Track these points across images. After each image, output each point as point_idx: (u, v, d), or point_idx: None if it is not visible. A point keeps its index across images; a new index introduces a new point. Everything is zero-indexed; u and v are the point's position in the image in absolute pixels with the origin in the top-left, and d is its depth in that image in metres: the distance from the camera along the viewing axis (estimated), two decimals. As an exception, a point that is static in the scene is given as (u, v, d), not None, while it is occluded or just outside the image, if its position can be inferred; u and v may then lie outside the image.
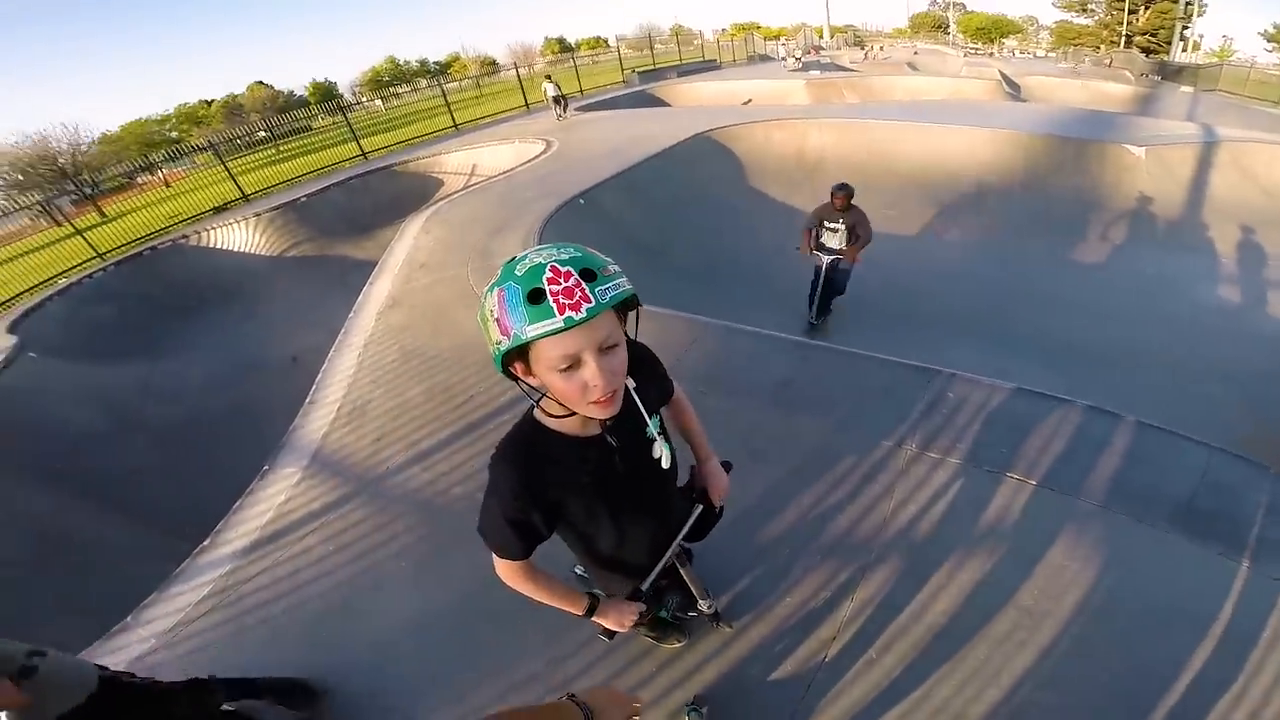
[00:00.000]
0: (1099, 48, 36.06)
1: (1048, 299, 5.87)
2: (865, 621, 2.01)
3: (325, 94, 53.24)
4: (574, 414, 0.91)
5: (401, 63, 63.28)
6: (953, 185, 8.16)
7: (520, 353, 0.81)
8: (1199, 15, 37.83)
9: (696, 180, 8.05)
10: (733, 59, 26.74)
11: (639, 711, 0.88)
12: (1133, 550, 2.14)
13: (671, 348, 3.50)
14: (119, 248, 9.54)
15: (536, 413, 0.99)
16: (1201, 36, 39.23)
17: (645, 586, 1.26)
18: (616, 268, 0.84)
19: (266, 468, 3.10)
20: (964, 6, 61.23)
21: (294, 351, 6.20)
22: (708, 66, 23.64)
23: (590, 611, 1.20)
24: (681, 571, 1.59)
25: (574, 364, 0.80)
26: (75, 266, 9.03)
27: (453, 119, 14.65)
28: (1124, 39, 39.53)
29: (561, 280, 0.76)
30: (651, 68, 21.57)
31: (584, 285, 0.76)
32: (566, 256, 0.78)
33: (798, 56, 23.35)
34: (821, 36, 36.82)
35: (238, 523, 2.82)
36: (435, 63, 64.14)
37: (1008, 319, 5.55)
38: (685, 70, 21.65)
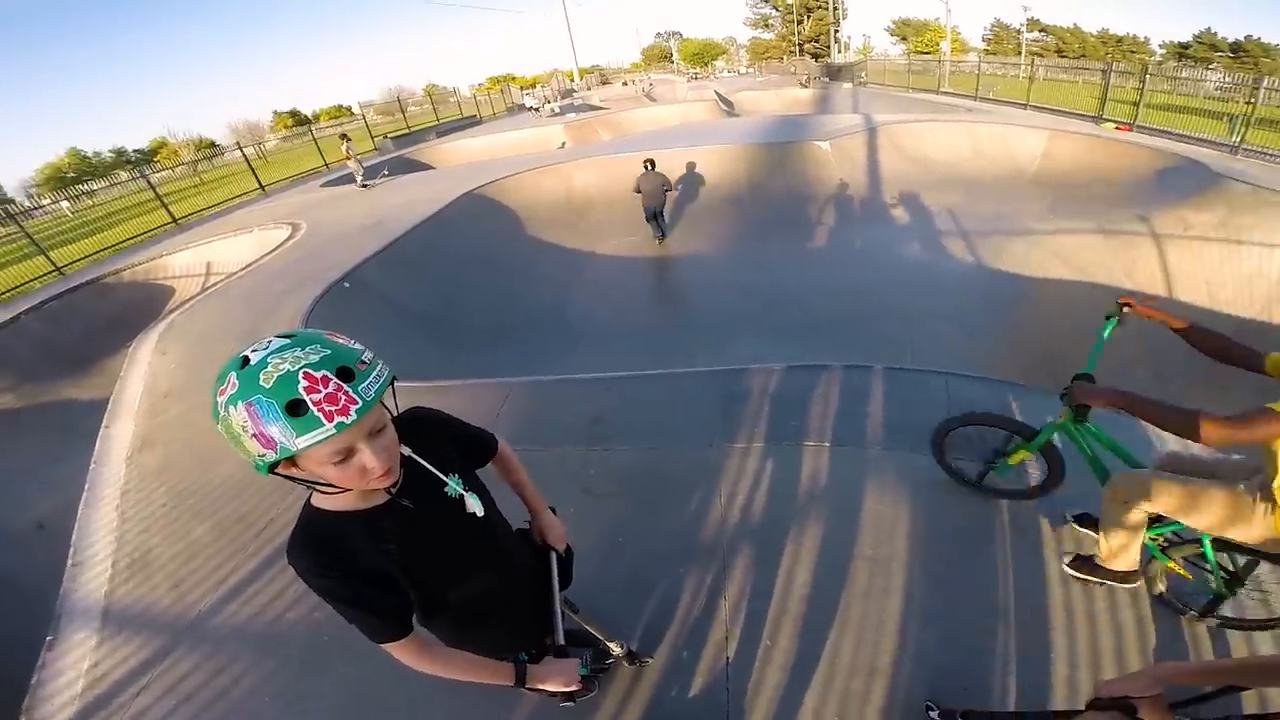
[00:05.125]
0: (783, 58, 43.91)
1: (792, 284, 6.93)
2: (746, 615, 2.11)
3: (-15, 200, 41.33)
4: (349, 490, 0.89)
5: (90, 155, 52.17)
6: (701, 202, 9.25)
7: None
8: (844, 19, 47.91)
9: (473, 240, 7.98)
10: (493, 113, 26.97)
11: None
12: (920, 479, 2.53)
13: (483, 414, 3.45)
14: None
15: (314, 498, 0.94)
16: (849, 38, 49.86)
17: (560, 640, 1.19)
18: (369, 354, 0.82)
19: (51, 638, 2.70)
20: (681, 35, 70.06)
21: (37, 518, 4.96)
22: (469, 123, 23.45)
23: (521, 678, 1.09)
24: (578, 619, 1.55)
25: (347, 455, 0.80)
26: None
27: (170, 213, 12.53)
28: (798, 48, 48.67)
29: (321, 387, 0.73)
30: (406, 131, 20.73)
31: (346, 388, 0.74)
32: (317, 358, 0.74)
33: (549, 103, 24.19)
34: (573, 80, 39.00)
35: (47, 697, 2.42)
36: (136, 151, 53.93)
37: (765, 309, 6.42)
38: (444, 130, 21.24)
